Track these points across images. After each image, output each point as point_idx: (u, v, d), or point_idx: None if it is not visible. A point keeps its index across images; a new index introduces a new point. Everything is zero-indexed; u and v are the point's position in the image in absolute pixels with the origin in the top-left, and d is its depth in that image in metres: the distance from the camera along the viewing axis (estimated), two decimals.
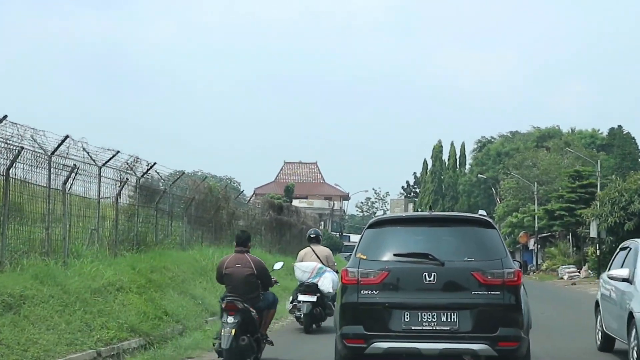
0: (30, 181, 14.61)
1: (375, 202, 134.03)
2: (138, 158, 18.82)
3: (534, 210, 62.48)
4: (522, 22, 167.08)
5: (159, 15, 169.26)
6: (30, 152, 14.17)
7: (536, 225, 61.38)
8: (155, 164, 19.51)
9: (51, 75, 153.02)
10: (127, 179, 18.12)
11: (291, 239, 35.82)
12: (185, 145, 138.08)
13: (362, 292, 8.77)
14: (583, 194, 52.93)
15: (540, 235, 62.43)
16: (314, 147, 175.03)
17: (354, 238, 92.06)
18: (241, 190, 44.18)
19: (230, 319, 10.31)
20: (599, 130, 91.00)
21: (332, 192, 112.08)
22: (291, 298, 16.23)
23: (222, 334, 10.26)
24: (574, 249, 55.98)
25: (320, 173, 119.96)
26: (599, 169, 50.28)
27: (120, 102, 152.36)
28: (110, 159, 17.07)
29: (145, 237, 19.75)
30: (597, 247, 44.87)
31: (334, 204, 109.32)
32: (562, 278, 50.43)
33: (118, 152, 17.19)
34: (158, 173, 20.97)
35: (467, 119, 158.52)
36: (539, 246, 62.69)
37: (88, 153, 16.55)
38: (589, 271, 49.21)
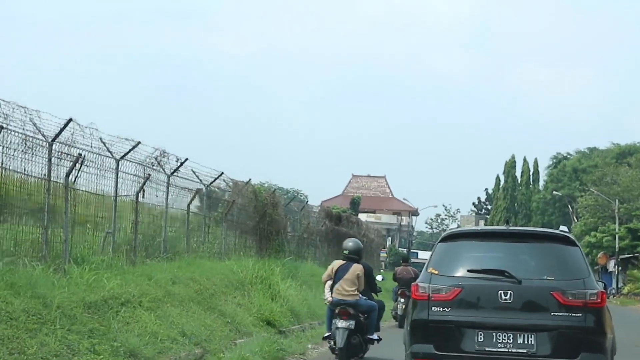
0: (25, 172, 12.19)
1: (445, 218, 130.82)
2: (165, 152, 16.40)
3: (615, 229, 58.29)
4: (597, 41, 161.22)
5: (236, 27, 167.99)
6: (20, 136, 11.77)
7: (617, 245, 57.22)
8: (187, 159, 17.06)
9: (129, 84, 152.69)
10: (150, 175, 15.62)
11: None
12: (256, 158, 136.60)
13: (433, 309, 8.39)
14: None
15: (621, 257, 58.16)
16: (383, 160, 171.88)
17: (422, 255, 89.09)
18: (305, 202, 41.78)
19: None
20: None
21: (400, 207, 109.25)
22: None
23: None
24: None
25: (388, 187, 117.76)
26: None
27: (193, 113, 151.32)
28: (130, 150, 14.67)
29: (176, 243, 17.28)
30: None
31: (402, 219, 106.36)
32: None
33: (139, 143, 14.75)
34: (194, 172, 18.52)
35: (542, 135, 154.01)
36: (619, 268, 58.34)
37: (104, 143, 14.18)
38: None
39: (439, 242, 9.03)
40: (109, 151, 14.40)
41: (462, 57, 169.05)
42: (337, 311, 12.45)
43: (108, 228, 14.88)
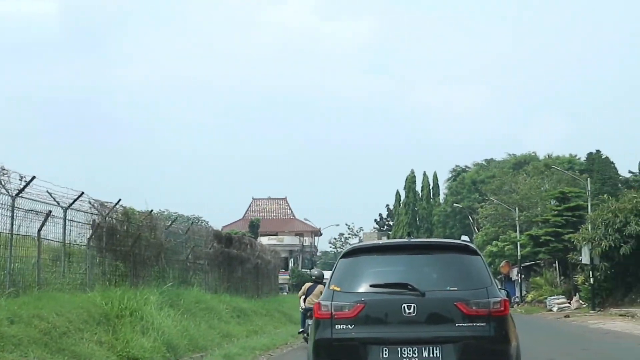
0: None
1: (349, 237, 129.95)
2: (4, 169, 13.94)
3: (516, 237, 58.05)
4: (494, 58, 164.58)
5: (137, 57, 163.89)
6: None
7: (519, 253, 56.94)
8: (34, 177, 14.60)
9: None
10: None
11: (244, 275, 30.84)
12: (157, 187, 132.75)
13: (336, 327, 8.18)
14: (570, 217, 48.74)
15: (523, 265, 57.93)
16: (283, 182, 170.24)
17: (327, 274, 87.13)
18: (191, 223, 38.96)
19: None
20: (576, 155, 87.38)
21: (302, 227, 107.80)
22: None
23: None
24: (562, 277, 51.55)
25: (290, 209, 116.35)
26: (589, 188, 45.78)
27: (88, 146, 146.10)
28: None
29: (26, 276, 14.80)
30: (590, 275, 40.46)
31: (304, 239, 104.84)
32: (550, 310, 46.10)
33: None
34: (50, 193, 16.06)
35: (440, 149, 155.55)
36: (522, 276, 58.03)
37: None
38: (581, 302, 44.81)
39: (341, 258, 8.83)
40: None
41: (360, 81, 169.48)
42: (308, 314, 18.11)
43: None
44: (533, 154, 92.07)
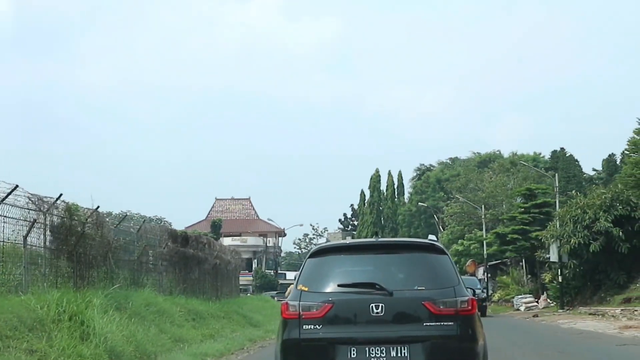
0: None
1: (314, 237, 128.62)
2: None
3: (482, 235, 57.20)
4: (457, 59, 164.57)
5: (95, 62, 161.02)
6: None
7: (485, 252, 56.07)
8: None
9: None
10: None
11: (202, 276, 29.35)
12: (118, 188, 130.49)
13: (304, 327, 8.10)
14: (537, 215, 47.96)
15: (489, 263, 57.10)
16: (247, 183, 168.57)
17: (290, 276, 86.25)
18: (143, 221, 37.34)
19: None
20: (540, 153, 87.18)
21: (266, 228, 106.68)
22: None
23: None
24: (529, 276, 50.80)
25: (254, 209, 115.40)
26: (556, 184, 44.95)
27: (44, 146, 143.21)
28: None
29: None
30: (559, 273, 39.65)
31: (267, 240, 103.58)
32: (518, 309, 45.32)
33: None
34: None
35: (405, 149, 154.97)
36: (489, 275, 57.20)
37: None
38: (549, 300, 44.06)
39: (308, 257, 8.78)
40: None
41: (324, 81, 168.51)
42: None
43: None
44: (497, 152, 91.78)
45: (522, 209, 49.79)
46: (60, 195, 17.65)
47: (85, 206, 19.30)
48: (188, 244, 27.67)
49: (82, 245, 18.51)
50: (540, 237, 41.07)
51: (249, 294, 65.30)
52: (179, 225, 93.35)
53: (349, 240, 13.01)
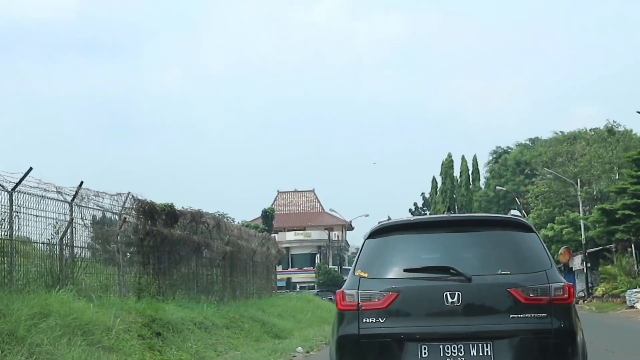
0: None
1: None
2: None
3: (578, 216, 47.37)
4: (527, 53, 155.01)
5: (165, 64, 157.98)
6: None
7: (583, 236, 46.24)
8: None
9: (59, 128, 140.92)
10: None
11: (201, 269, 20.65)
12: (186, 189, 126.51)
13: (364, 320, 6.89)
14: None
15: (588, 251, 47.24)
16: (311, 175, 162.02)
17: None
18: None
19: None
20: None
21: (332, 221, 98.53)
22: None
23: None
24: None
25: (318, 201, 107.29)
26: None
27: (125, 151, 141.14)
28: None
29: None
30: None
31: (331, 234, 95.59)
32: (633, 307, 35.78)
33: None
34: None
35: (478, 131, 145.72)
36: (588, 265, 47.36)
37: None
38: None
39: (367, 238, 7.47)
40: None
41: (394, 74, 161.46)
42: None
43: None
44: (583, 131, 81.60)
45: (635, 179, 39.52)
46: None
47: None
48: (176, 223, 19.28)
49: None
50: None
51: (288, 292, 57.16)
52: (241, 220, 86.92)
53: (415, 217, 9.90)
